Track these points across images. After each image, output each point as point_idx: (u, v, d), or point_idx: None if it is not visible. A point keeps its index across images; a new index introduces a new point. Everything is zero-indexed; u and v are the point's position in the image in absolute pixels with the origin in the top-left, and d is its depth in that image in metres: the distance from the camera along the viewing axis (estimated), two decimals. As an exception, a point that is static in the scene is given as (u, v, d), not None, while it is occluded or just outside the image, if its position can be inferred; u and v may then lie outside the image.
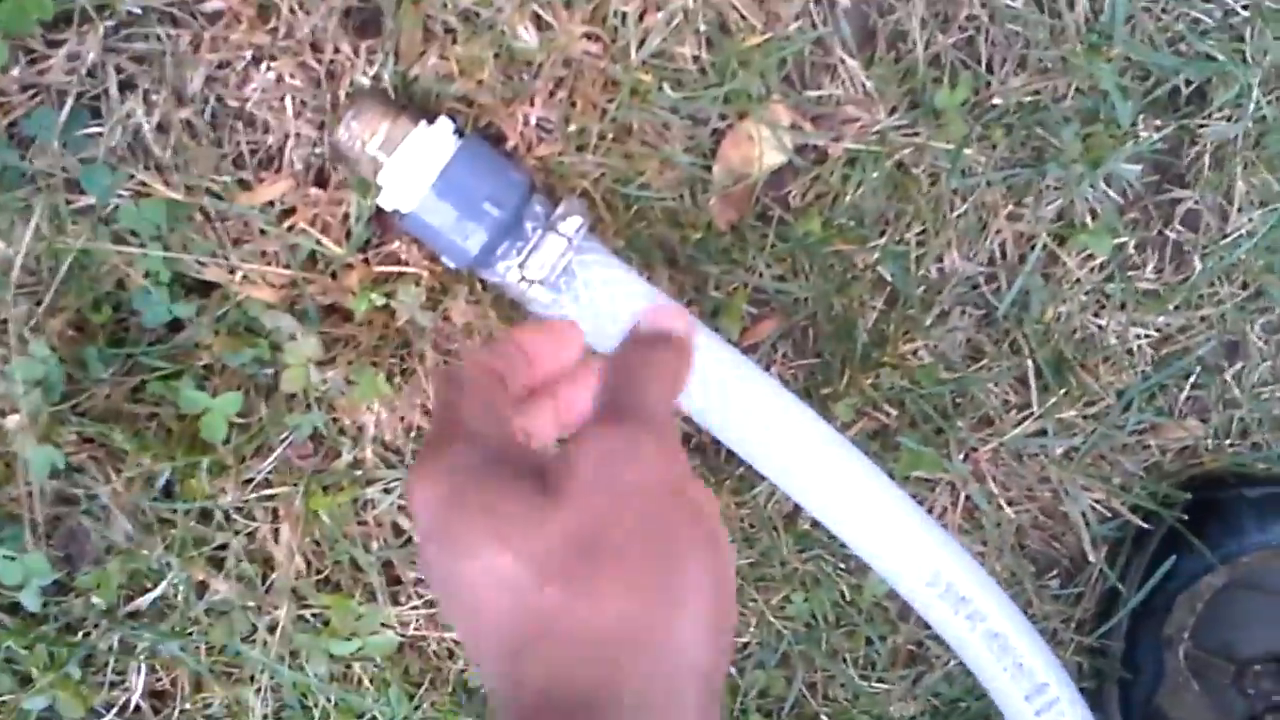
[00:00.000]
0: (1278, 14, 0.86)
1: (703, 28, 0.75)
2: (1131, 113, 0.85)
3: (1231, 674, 0.98)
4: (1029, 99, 0.84)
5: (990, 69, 0.83)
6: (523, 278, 0.61)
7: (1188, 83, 0.87)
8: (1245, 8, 0.85)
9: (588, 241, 0.63)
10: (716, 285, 0.84)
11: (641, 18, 0.73)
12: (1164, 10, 0.84)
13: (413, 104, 0.69)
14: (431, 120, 0.63)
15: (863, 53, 0.81)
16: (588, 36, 0.72)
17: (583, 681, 0.36)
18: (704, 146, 0.79)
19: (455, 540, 0.37)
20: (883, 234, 0.86)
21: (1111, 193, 0.90)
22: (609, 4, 0.72)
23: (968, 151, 0.84)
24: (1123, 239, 0.92)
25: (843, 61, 0.80)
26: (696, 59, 0.76)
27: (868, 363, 0.88)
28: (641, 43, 0.73)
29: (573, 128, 0.74)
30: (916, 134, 0.83)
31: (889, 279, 0.88)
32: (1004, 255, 0.90)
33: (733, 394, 0.64)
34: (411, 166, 0.61)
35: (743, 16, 0.75)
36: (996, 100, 0.83)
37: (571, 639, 0.36)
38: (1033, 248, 0.89)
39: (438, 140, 0.61)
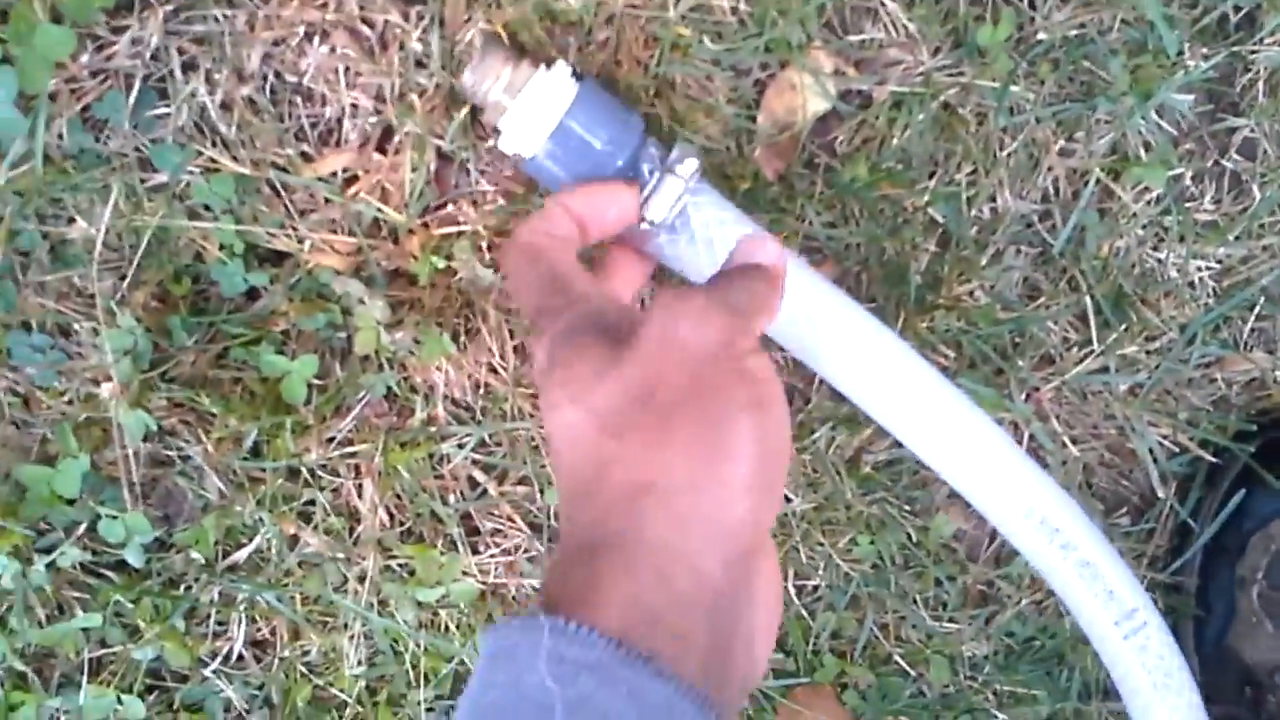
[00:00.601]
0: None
1: (739, -20, 0.77)
2: (1179, 42, 0.84)
3: (1305, 613, 0.98)
4: (1074, 33, 0.84)
5: (1033, 4, 0.83)
6: (642, 218, 0.61)
7: (1237, 9, 0.87)
8: (1297, -73, 0.84)
9: (699, 183, 0.64)
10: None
11: (679, -28, 0.75)
12: (1213, -68, 0.83)
13: (534, 50, 0.72)
14: (549, 65, 0.63)
15: (906, -6, 0.82)
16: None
17: (616, 522, 0.39)
18: (748, 97, 0.81)
19: (544, 397, 0.44)
20: (932, 176, 0.87)
21: (1164, 124, 0.90)
22: (643, -42, 0.74)
23: (1014, 89, 0.84)
24: (1178, 170, 0.92)
25: (883, 4, 0.81)
26: (735, 10, 0.77)
27: (922, 305, 0.89)
28: (680, -2, 0.75)
29: (620, 84, 0.76)
30: (961, 74, 0.84)
31: (941, 221, 0.88)
32: (1057, 192, 0.90)
33: (826, 327, 0.66)
34: (533, 111, 0.61)
35: (780, -34, 0.77)
36: (1041, 35, 0.83)
37: (617, 485, 0.40)
38: (1086, 183, 0.89)
39: (557, 85, 0.61)
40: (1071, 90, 0.87)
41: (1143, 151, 0.90)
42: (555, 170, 0.62)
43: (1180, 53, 0.87)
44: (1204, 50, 0.87)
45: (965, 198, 0.88)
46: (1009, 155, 0.87)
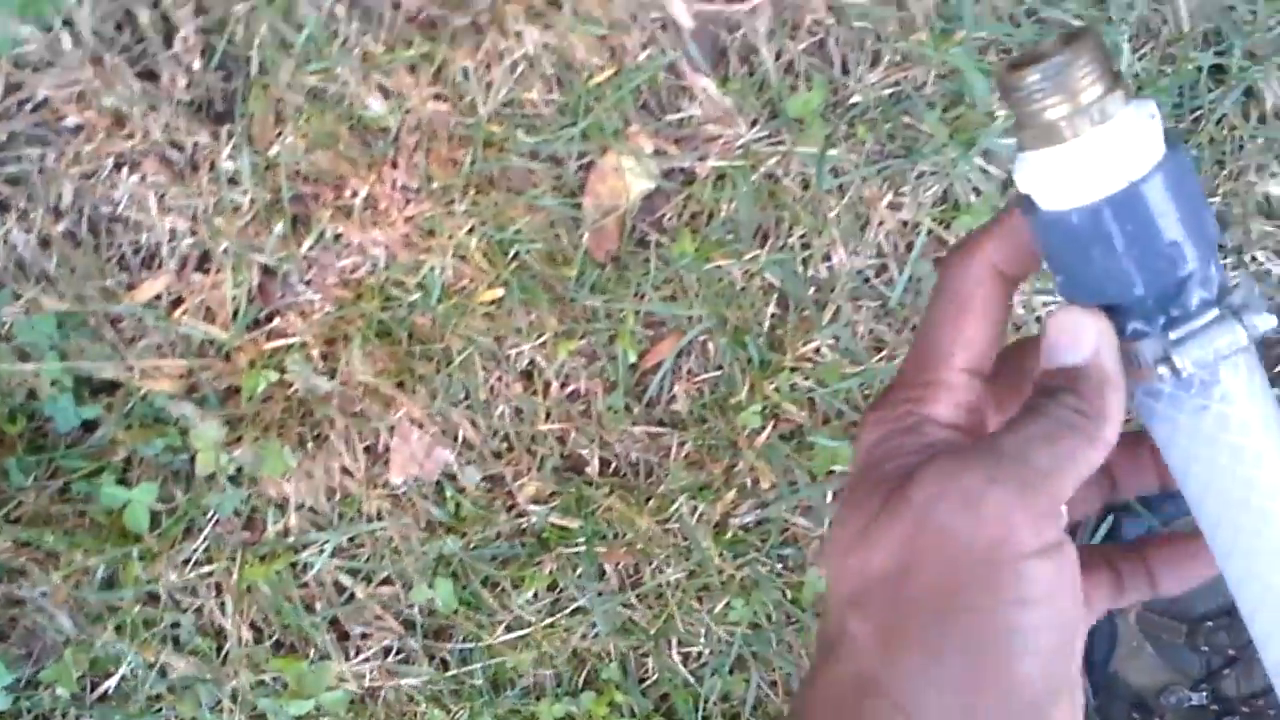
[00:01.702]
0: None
1: (549, 71, 0.77)
2: (990, 89, 0.87)
3: (1184, 633, 1.00)
4: (889, 92, 0.86)
5: (845, 69, 0.85)
6: (1161, 360, 0.40)
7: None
8: (1095, -29, 0.86)
9: (1253, 351, 0.41)
10: (606, 315, 0.87)
11: (488, 69, 0.76)
12: (1012, -15, 0.86)
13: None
14: (1133, 97, 0.39)
15: (716, 71, 0.83)
16: (436, 97, 0.75)
17: (835, 692, 0.36)
18: (571, 184, 0.82)
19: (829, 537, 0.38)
20: (764, 242, 0.88)
21: (992, 169, 0.92)
22: (452, 64, 0.75)
23: (835, 151, 0.86)
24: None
25: (697, 82, 0.82)
26: (549, 102, 0.78)
27: (768, 368, 0.90)
28: (489, 95, 0.76)
29: (435, 185, 0.76)
30: (781, 142, 0.85)
31: (778, 284, 0.90)
32: (892, 246, 0.92)
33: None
34: (1097, 156, 0.39)
35: (589, 54, 0.78)
36: (856, 98, 0.85)
37: (845, 677, 0.36)
38: (918, 235, 0.91)
39: (1143, 132, 0.38)
40: (893, 147, 0.88)
41: (973, 197, 0.92)
42: (1079, 243, 0.40)
43: (1000, 98, 0.89)
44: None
45: (800, 260, 0.90)
46: (838, 215, 0.89)
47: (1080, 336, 0.37)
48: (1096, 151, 0.37)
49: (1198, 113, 0.92)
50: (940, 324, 0.38)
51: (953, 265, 0.38)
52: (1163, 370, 0.38)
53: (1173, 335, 0.38)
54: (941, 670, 0.33)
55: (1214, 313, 0.39)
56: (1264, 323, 0.39)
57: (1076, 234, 0.38)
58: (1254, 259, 0.97)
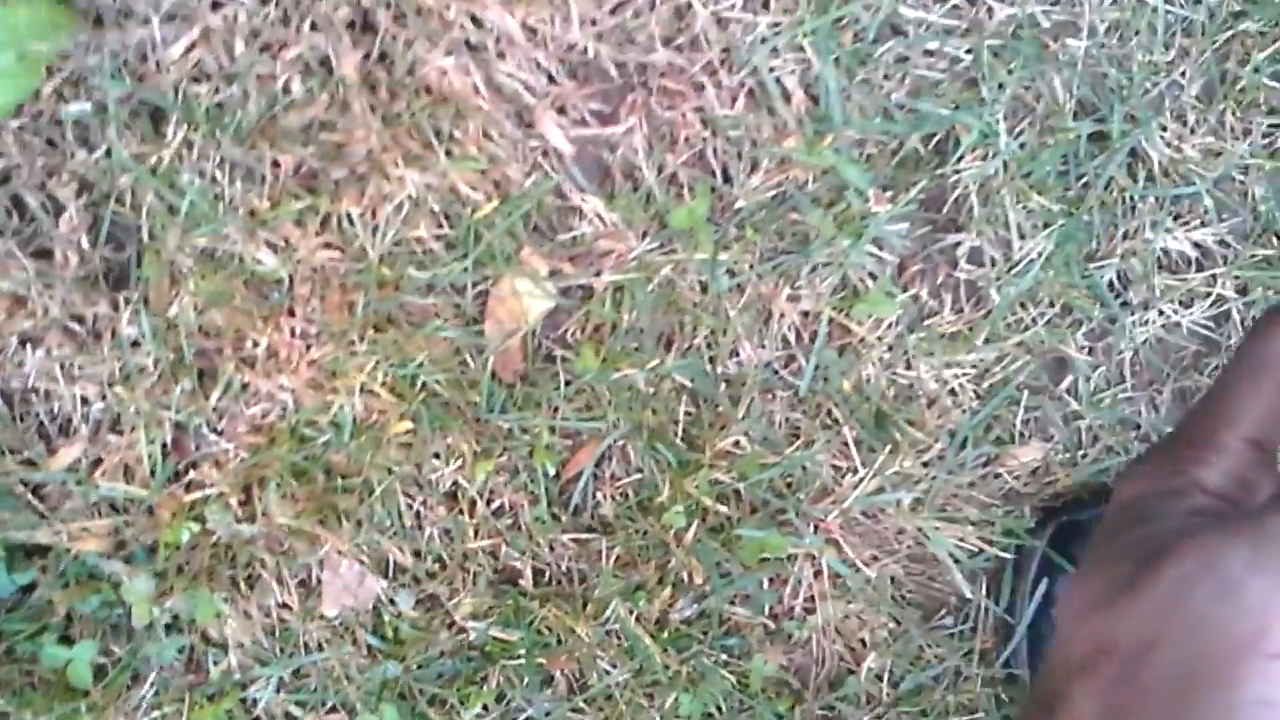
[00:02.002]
0: (1004, 49, 0.90)
1: (435, 208, 0.80)
2: (873, 182, 0.89)
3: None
4: (772, 194, 0.88)
5: (727, 177, 0.88)
6: None
7: (926, 138, 0.92)
8: (969, 52, 0.89)
9: None
10: (522, 431, 0.89)
11: (374, 214, 0.79)
12: (885, 77, 0.88)
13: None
14: None
15: (602, 189, 0.86)
16: (326, 246, 0.78)
17: None
18: (471, 312, 0.85)
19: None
20: (670, 346, 0.91)
21: (885, 254, 0.94)
22: (338, 213, 0.78)
23: (727, 254, 0.89)
24: (914, 291, 0.96)
25: (584, 202, 0.85)
26: (438, 237, 0.81)
27: (687, 467, 0.93)
28: (377, 239, 0.79)
29: (336, 329, 0.79)
30: (673, 251, 0.88)
31: (689, 384, 0.92)
32: (798, 337, 0.94)
33: None
34: None
35: (472, 188, 0.81)
36: (741, 203, 0.88)
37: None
38: (820, 324, 0.93)
39: None
40: (785, 244, 0.91)
41: (870, 283, 0.94)
42: None
43: (885, 188, 0.92)
44: (910, 180, 0.91)
45: (707, 359, 0.92)
46: (739, 313, 0.91)
47: None
48: None
49: (1084, 179, 0.94)
50: (1232, 388, 0.35)
51: (1260, 330, 0.35)
52: None
53: None
54: None
55: None
56: None
57: None
58: (1161, 313, 0.99)
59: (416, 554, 0.91)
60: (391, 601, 0.91)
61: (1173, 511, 0.34)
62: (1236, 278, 1.00)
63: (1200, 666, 0.31)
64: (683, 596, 0.97)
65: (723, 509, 0.94)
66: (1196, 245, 0.99)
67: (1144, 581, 0.33)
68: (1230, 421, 0.35)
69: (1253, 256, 0.99)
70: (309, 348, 0.79)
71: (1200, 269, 0.99)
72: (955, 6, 0.87)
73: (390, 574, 0.91)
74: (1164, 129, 0.94)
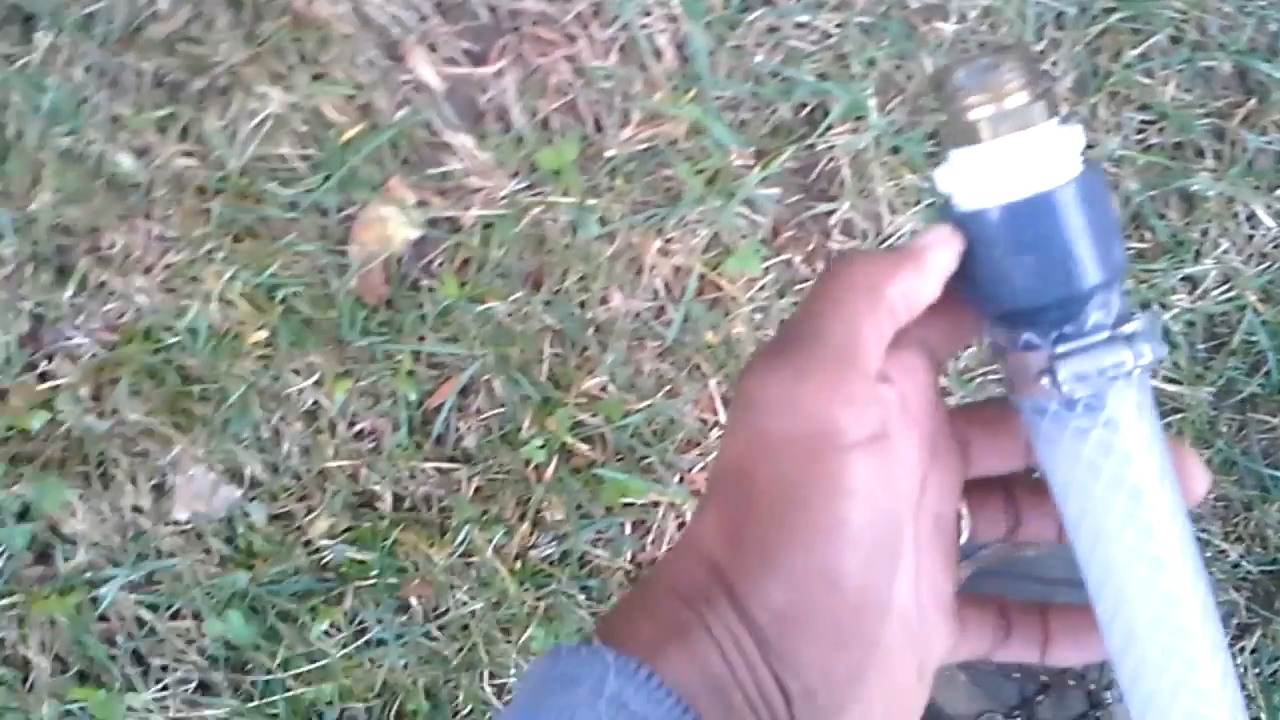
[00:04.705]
0: (874, 26, 0.93)
1: (301, 128, 0.83)
2: (743, 143, 0.92)
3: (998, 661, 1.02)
4: (643, 147, 0.91)
5: (598, 126, 0.90)
6: (1045, 373, 0.40)
7: (799, 107, 0.95)
8: (839, 27, 0.92)
9: (1144, 378, 0.41)
10: (386, 356, 0.92)
11: (235, 128, 0.82)
12: (757, 44, 0.91)
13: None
14: (1065, 120, 0.41)
15: (475, 128, 0.89)
16: (185, 154, 0.81)
17: (701, 590, 0.35)
18: (337, 234, 0.87)
19: None
20: (539, 286, 0.93)
21: (758, 217, 0.97)
22: (200, 123, 0.81)
23: (597, 201, 0.91)
24: (785, 257, 0.99)
25: (455, 139, 0.88)
26: (304, 157, 0.84)
27: (551, 404, 0.95)
28: (238, 151, 0.82)
29: (192, 236, 0.82)
30: (542, 193, 0.90)
31: (558, 326, 0.95)
32: (668, 289, 0.97)
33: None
34: (1014, 162, 0.40)
35: (338, 113, 0.83)
36: (612, 152, 0.91)
37: (695, 540, 0.36)
38: (690, 278, 0.96)
39: (1063, 149, 0.40)
40: (657, 197, 0.93)
41: (741, 241, 0.97)
42: (987, 245, 0.40)
43: (759, 153, 0.94)
44: (782, 146, 0.94)
45: (578, 303, 0.95)
46: (610, 261, 0.94)
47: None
48: (1014, 154, 0.38)
49: (955, 160, 0.97)
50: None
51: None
52: (1044, 382, 0.38)
53: (1060, 349, 0.38)
54: (777, 567, 0.33)
55: (1105, 334, 0.39)
56: (1152, 352, 0.38)
57: (985, 235, 0.39)
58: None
59: (274, 469, 0.93)
60: (245, 513, 0.94)
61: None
62: (1107, 269, 1.02)
63: (788, 475, 0.33)
64: (543, 534, 0.99)
65: (586, 449, 0.97)
66: (1067, 234, 1.00)
67: (733, 407, 0.35)
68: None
69: (1127, 250, 1.02)
70: (166, 251, 0.82)
71: (1070, 258, 1.01)
72: (828, -22, 0.90)
73: (246, 485, 0.93)
74: (1037, 116, 0.96)
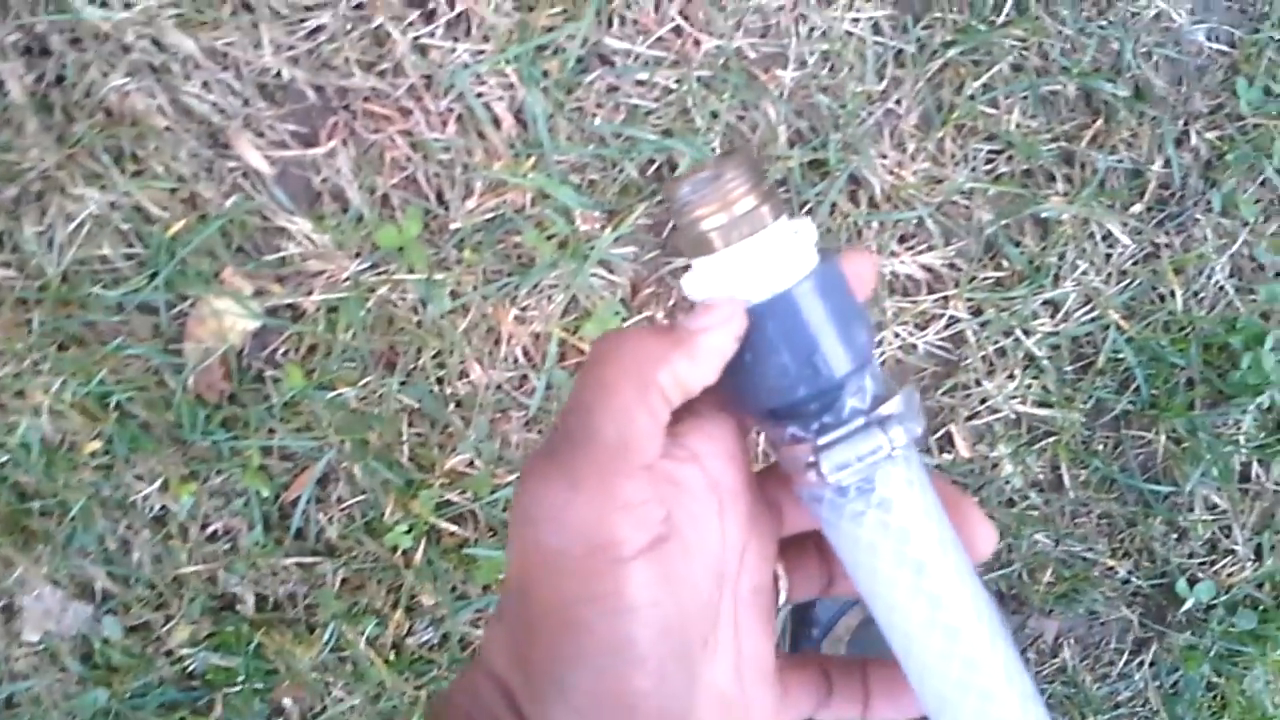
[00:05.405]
0: (714, 79, 0.92)
1: (123, 227, 0.80)
2: (592, 205, 0.90)
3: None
4: (489, 217, 0.89)
5: (441, 199, 0.88)
6: (811, 465, 0.40)
7: (650, 161, 0.93)
8: (679, 82, 0.90)
9: (910, 452, 0.41)
10: (234, 453, 0.88)
11: (51, 238, 0.78)
12: (598, 105, 0.89)
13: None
14: (791, 216, 0.41)
15: (311, 210, 0.86)
16: (3, 265, 0.77)
17: (483, 697, 0.35)
18: (170, 332, 0.84)
19: None
20: (392, 367, 0.90)
21: (616, 277, 0.95)
22: (17, 231, 0.77)
23: (445, 275, 0.89)
24: (647, 314, 0.97)
25: (291, 223, 0.85)
26: (128, 256, 0.80)
27: (414, 487, 0.92)
28: (57, 257, 0.78)
29: (18, 346, 0.78)
30: (386, 272, 0.88)
31: (417, 405, 0.92)
32: (528, 357, 0.95)
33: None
34: (751, 265, 0.41)
35: (162, 208, 0.80)
36: (456, 224, 0.88)
37: (484, 660, 0.35)
38: (550, 344, 0.94)
39: (796, 246, 0.40)
40: (510, 266, 0.91)
41: (598, 303, 0.95)
42: (736, 349, 0.40)
43: (610, 213, 0.92)
44: (632, 205, 0.92)
45: (435, 379, 0.92)
46: (467, 333, 0.91)
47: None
48: (746, 261, 0.39)
49: (807, 205, 0.96)
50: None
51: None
52: (811, 475, 0.39)
53: (821, 441, 0.38)
54: (566, 691, 0.31)
55: (861, 420, 0.39)
56: (906, 434, 0.39)
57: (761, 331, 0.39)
58: (896, 335, 1.01)
59: (125, 580, 0.89)
60: (100, 628, 0.89)
61: None
62: (969, 299, 1.02)
63: (565, 592, 0.31)
64: (419, 620, 0.96)
65: (455, 529, 0.94)
66: (926, 268, 1.00)
67: (510, 524, 0.33)
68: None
69: (984, 279, 1.02)
70: (-11, 368, 0.78)
71: (932, 291, 1.01)
72: (661, 39, 0.88)
73: (98, 599, 0.89)
74: (884, 156, 0.96)
